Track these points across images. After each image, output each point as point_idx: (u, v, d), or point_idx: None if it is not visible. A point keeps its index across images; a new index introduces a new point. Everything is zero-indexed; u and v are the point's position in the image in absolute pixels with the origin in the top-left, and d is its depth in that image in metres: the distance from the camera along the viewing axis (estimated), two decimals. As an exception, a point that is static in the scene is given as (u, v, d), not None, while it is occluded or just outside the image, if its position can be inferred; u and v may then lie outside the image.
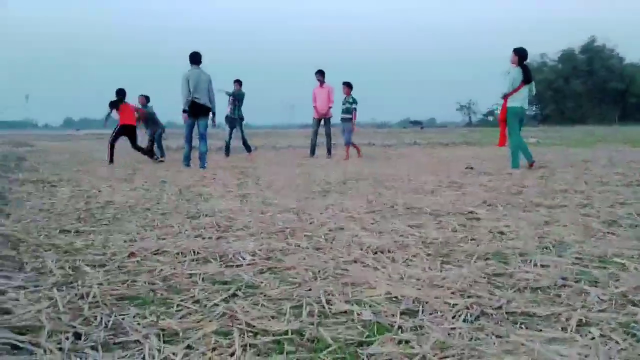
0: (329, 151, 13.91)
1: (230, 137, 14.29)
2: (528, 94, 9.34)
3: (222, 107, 13.29)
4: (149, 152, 12.97)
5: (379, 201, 5.61)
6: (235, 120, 14.14)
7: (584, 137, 26.88)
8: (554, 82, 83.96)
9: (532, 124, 75.13)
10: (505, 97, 9.28)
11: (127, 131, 12.37)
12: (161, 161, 12.77)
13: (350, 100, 13.13)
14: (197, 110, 10.33)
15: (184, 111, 10.34)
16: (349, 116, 13.16)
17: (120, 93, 12.41)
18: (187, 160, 10.67)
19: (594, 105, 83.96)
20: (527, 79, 9.18)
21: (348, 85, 13.18)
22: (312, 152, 14.05)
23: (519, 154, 9.35)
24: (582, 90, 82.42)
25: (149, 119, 13.35)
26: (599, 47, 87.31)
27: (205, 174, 8.86)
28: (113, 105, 12.26)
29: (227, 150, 14.49)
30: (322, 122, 13.69)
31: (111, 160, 11.88)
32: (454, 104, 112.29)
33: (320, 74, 13.49)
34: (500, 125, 9.55)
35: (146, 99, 13.49)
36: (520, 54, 9.26)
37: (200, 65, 10.41)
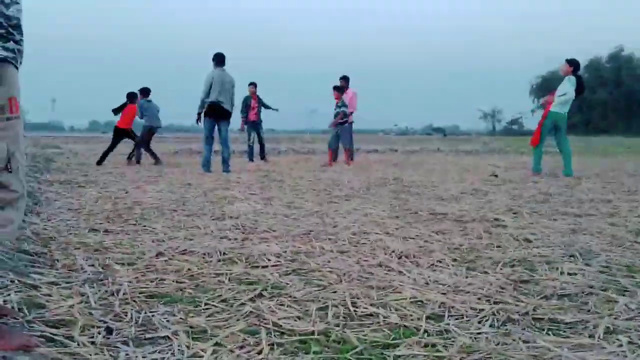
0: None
1: (252, 141, 14.39)
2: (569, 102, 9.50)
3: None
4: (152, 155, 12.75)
5: (402, 207, 5.62)
6: (256, 123, 14.26)
7: (610, 147, 26.50)
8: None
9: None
10: (547, 104, 9.48)
11: (122, 134, 12.40)
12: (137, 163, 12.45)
13: (340, 104, 12.66)
14: (219, 114, 10.09)
15: (199, 113, 10.17)
16: (340, 120, 12.68)
17: (127, 97, 12.41)
18: (207, 164, 10.26)
19: (621, 115, 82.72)
20: (580, 90, 9.28)
21: (338, 90, 12.75)
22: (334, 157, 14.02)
23: (542, 158, 9.58)
24: (609, 100, 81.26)
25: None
26: (627, 56, 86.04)
27: (229, 177, 8.94)
28: (117, 111, 12.30)
29: (251, 154, 14.57)
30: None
31: (156, 160, 12.30)
32: (478, 112, 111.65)
33: (344, 79, 13.43)
34: (539, 126, 9.60)
35: (142, 93, 12.76)
36: (574, 64, 9.32)
37: (224, 67, 10.25)
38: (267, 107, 14.58)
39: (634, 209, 5.45)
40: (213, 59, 10.24)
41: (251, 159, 14.32)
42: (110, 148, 12.31)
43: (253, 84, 14.42)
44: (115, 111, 12.34)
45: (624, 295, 2.73)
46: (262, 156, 14.47)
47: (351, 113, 13.17)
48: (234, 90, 10.41)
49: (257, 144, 14.49)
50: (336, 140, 12.93)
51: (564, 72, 9.38)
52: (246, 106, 14.15)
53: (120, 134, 12.43)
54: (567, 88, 9.24)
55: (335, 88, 12.83)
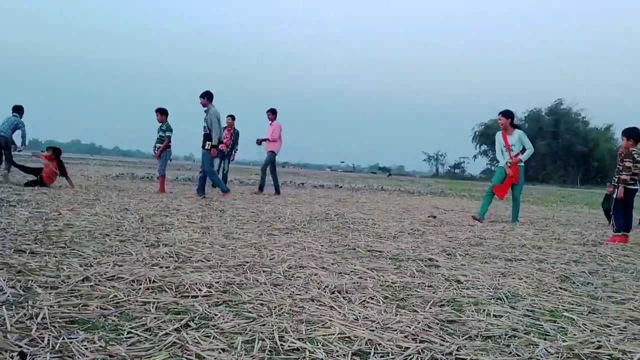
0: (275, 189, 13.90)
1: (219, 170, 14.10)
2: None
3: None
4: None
5: (341, 242, 5.64)
6: (228, 154, 14.18)
7: (546, 196, 27.52)
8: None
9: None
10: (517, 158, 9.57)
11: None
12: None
13: (164, 128, 12.04)
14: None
15: (214, 147, 11.20)
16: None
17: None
18: (226, 186, 11.79)
19: (558, 166, 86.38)
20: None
21: (161, 112, 12.16)
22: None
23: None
24: (547, 151, 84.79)
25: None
26: (565, 109, 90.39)
27: (169, 204, 8.79)
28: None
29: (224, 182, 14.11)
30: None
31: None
32: (423, 154, 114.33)
33: (272, 111, 13.65)
34: (507, 182, 9.60)
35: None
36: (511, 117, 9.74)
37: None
38: (234, 143, 14.50)
39: (561, 256, 5.65)
40: (211, 97, 11.32)
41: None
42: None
43: (231, 116, 14.41)
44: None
45: (545, 339, 2.81)
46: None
47: (267, 140, 13.36)
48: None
49: (221, 173, 14.22)
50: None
51: (503, 124, 9.61)
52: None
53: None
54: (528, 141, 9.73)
55: (158, 110, 12.16)
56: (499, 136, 9.67)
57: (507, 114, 9.63)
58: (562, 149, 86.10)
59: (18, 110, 12.99)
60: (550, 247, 6.44)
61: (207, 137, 11.26)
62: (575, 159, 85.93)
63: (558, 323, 3.13)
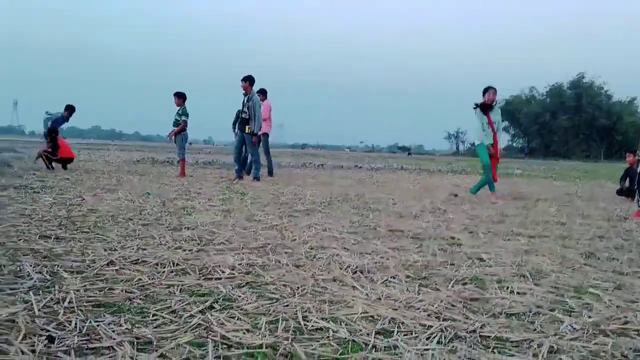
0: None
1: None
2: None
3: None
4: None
5: (362, 222, 5.64)
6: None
7: (568, 171, 27.20)
8: (541, 116, 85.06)
9: (518, 156, 75.82)
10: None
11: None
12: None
13: (180, 111, 12.09)
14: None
15: (254, 134, 11.37)
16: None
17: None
18: (258, 171, 11.56)
19: (580, 141, 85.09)
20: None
21: (179, 96, 12.22)
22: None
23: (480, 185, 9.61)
24: (569, 126, 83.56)
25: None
26: (587, 83, 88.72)
27: (189, 188, 8.85)
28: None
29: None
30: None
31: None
32: (443, 133, 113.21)
33: (262, 92, 13.12)
34: (494, 162, 9.37)
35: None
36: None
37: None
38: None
39: (585, 232, 5.59)
40: (252, 82, 11.41)
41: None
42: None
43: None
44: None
45: (570, 315, 2.79)
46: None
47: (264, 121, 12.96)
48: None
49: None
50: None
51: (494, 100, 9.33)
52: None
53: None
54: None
55: (176, 94, 12.19)
56: (479, 113, 9.23)
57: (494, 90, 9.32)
58: (584, 124, 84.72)
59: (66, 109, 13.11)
60: (574, 223, 6.36)
61: (247, 121, 11.32)
62: (598, 133, 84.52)
63: (583, 299, 3.10)
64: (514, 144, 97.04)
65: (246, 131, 11.32)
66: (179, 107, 12.02)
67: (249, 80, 11.33)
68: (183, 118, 11.93)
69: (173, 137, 12.09)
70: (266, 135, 13.22)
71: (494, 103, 9.38)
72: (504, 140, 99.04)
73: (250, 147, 11.54)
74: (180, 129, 11.98)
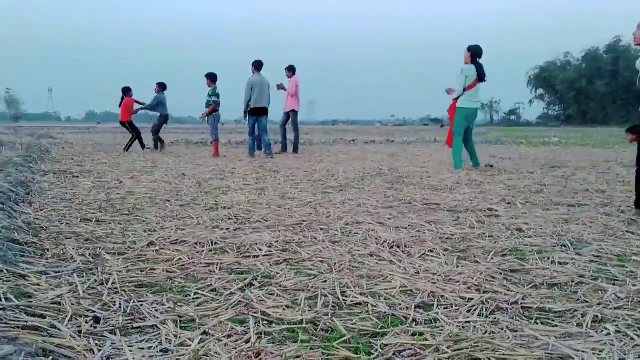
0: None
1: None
2: (479, 95, 8.93)
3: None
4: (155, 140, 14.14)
5: (396, 197, 5.61)
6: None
7: (607, 138, 26.51)
8: (577, 82, 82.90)
9: (554, 124, 74.28)
10: (455, 98, 8.81)
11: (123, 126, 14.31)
12: (148, 148, 13.97)
13: (211, 92, 12.17)
14: (260, 112, 12.16)
15: (245, 112, 12.25)
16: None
17: (123, 91, 14.07)
18: (252, 150, 12.24)
19: (618, 107, 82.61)
20: (480, 76, 8.69)
21: (210, 78, 12.31)
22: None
23: (462, 155, 9.03)
24: (606, 92, 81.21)
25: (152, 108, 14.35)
26: (624, 46, 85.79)
27: (224, 168, 8.93)
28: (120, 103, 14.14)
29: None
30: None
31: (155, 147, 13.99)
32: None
33: (290, 69, 13.32)
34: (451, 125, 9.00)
35: (160, 86, 14.35)
36: (474, 52, 8.77)
37: (261, 72, 12.20)
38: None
39: (627, 199, 5.45)
40: (253, 65, 12.17)
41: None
42: (133, 137, 14.04)
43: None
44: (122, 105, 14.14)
45: (613, 284, 2.73)
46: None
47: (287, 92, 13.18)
48: (270, 90, 12.42)
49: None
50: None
51: (466, 61, 8.78)
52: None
53: (123, 125, 14.29)
54: (465, 77, 8.65)
55: (207, 76, 12.31)
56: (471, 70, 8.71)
57: (469, 49, 8.83)
58: (622, 89, 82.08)
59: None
60: (615, 190, 6.21)
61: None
62: (636, 98, 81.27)
63: (627, 267, 3.03)
64: (550, 112, 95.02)
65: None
66: (209, 88, 12.17)
67: (253, 65, 12.19)
68: (213, 99, 12.08)
69: (205, 118, 12.31)
70: (295, 112, 13.28)
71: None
72: (539, 108, 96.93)
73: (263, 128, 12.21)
74: (212, 110, 12.14)
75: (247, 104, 12.08)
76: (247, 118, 12.40)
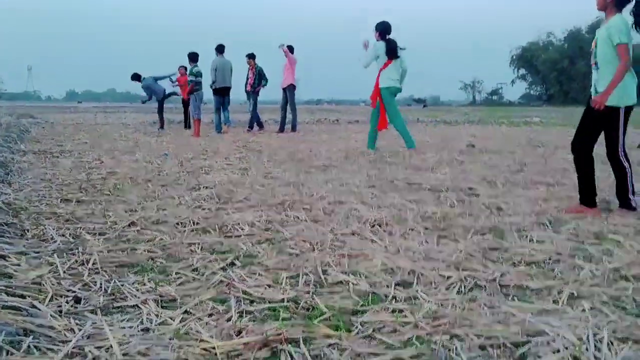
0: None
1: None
2: (400, 72, 8.41)
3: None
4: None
5: (379, 176, 5.63)
6: (248, 94, 14.06)
7: (588, 117, 26.70)
8: (559, 63, 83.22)
9: (536, 104, 74.69)
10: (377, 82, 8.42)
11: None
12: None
13: (194, 71, 12.28)
14: (224, 91, 13.09)
15: (214, 92, 12.99)
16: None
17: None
18: (218, 128, 13.00)
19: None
20: (391, 54, 8.22)
21: (189, 57, 12.39)
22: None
23: (409, 131, 8.77)
24: (588, 72, 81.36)
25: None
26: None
27: (206, 147, 8.88)
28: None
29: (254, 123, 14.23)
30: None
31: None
32: (459, 83, 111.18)
33: (289, 48, 13.20)
34: (381, 108, 8.45)
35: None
36: (381, 30, 8.31)
37: (223, 54, 12.99)
38: (261, 80, 14.18)
39: (605, 179, 5.52)
40: (216, 49, 13.00)
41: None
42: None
43: (248, 56, 14.07)
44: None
45: (590, 262, 2.78)
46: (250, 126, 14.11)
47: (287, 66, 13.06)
48: (232, 72, 13.22)
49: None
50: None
51: (376, 39, 8.34)
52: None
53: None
54: (372, 51, 8.26)
55: (188, 55, 12.37)
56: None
57: (375, 28, 8.41)
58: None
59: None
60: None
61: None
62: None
63: (603, 245, 3.09)
64: (532, 92, 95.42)
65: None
66: (189, 67, 12.23)
67: (216, 49, 13.03)
68: (190, 78, 12.27)
69: (187, 97, 12.46)
70: (293, 87, 13.17)
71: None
72: (521, 88, 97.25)
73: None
74: (190, 88, 12.23)
75: (212, 85, 12.91)
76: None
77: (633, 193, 3.99)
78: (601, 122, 4.00)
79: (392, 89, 8.41)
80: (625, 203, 3.99)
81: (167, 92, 14.99)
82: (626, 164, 4.01)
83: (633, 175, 4.05)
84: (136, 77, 14.50)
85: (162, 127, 14.45)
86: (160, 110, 14.78)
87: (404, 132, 8.57)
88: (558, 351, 1.80)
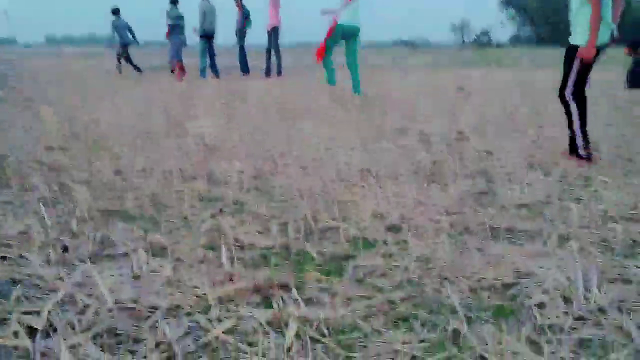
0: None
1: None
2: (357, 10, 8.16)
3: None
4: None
5: (367, 122, 5.58)
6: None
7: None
8: (549, 3, 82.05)
9: (526, 45, 73.95)
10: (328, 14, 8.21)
11: None
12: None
13: (171, 14, 12.71)
14: (211, 35, 12.86)
15: (201, 36, 12.62)
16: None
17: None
18: (203, 73, 12.65)
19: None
20: None
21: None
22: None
23: (334, 71, 8.70)
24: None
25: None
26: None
27: (192, 94, 8.73)
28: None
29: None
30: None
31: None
32: (448, 24, 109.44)
33: None
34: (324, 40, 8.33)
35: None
36: None
37: None
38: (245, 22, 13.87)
39: (595, 120, 5.51)
40: None
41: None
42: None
43: None
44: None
45: (579, 204, 2.80)
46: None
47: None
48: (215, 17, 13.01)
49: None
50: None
51: None
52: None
53: None
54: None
55: None
56: None
57: None
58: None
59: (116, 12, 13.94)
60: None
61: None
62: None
63: (592, 187, 3.10)
64: (521, 34, 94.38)
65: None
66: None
67: None
68: (169, 22, 12.49)
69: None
70: (276, 29, 12.84)
71: None
72: (511, 29, 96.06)
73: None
74: (168, 31, 12.52)
75: (202, 28, 12.68)
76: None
77: (585, 144, 3.82)
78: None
79: (350, 28, 8.21)
80: (573, 148, 3.89)
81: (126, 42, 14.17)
82: (574, 107, 3.89)
83: (584, 123, 3.91)
84: (117, 11, 13.86)
85: (139, 70, 13.91)
86: (128, 59, 14.03)
87: (326, 68, 8.55)
88: (548, 292, 1.82)
